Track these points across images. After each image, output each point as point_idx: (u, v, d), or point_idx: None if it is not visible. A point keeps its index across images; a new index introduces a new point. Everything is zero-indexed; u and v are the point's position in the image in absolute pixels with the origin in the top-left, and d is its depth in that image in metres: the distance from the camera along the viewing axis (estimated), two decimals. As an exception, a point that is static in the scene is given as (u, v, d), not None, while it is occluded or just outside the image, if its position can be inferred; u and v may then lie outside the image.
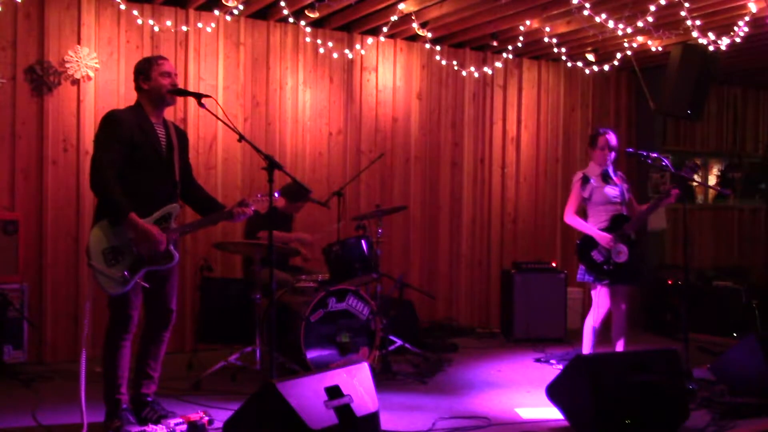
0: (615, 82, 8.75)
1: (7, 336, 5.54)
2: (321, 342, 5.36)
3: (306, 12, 6.50)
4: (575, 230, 5.74)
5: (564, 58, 7.85)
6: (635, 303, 8.65)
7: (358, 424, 3.72)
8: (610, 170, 5.55)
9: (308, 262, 6.38)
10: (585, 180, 5.55)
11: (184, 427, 4.10)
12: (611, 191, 5.49)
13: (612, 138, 5.52)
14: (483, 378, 5.79)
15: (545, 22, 6.87)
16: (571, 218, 5.58)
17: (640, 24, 6.25)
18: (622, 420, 4.12)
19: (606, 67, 7.86)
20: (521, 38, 7.21)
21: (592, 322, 5.52)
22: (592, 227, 5.48)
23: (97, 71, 6.20)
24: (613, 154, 5.51)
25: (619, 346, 5.54)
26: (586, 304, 5.70)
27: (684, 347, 5.09)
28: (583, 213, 5.64)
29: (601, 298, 5.47)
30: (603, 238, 5.38)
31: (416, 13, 6.68)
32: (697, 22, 6.40)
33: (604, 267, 5.39)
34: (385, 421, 4.22)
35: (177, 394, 4.99)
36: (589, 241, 5.45)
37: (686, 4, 5.97)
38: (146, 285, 4.08)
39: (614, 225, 5.43)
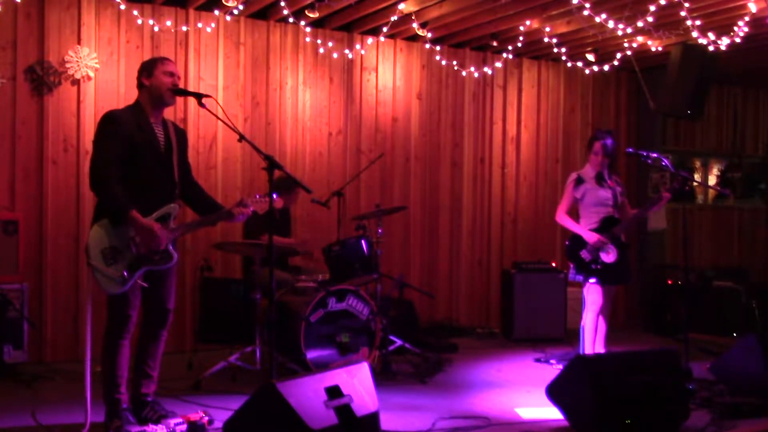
0: (615, 82, 8.75)
1: (7, 336, 5.54)
2: (321, 342, 5.36)
3: (306, 12, 6.50)
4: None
5: (564, 58, 7.85)
6: (635, 303, 8.68)
7: (358, 424, 3.72)
8: (605, 173, 5.64)
9: (310, 263, 6.35)
10: (579, 181, 5.65)
11: (184, 427, 4.10)
12: (604, 194, 5.59)
13: (608, 143, 5.57)
14: (483, 378, 5.79)
15: (545, 22, 6.87)
16: (561, 217, 5.70)
17: (640, 24, 6.25)
18: (622, 420, 4.12)
19: (606, 67, 7.86)
20: (521, 38, 7.21)
21: (588, 321, 5.55)
22: (582, 227, 5.59)
23: (97, 71, 6.20)
24: (606, 160, 5.58)
25: (601, 345, 5.61)
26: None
27: (684, 347, 5.09)
28: (576, 214, 5.73)
29: (593, 295, 5.54)
30: (591, 237, 5.49)
31: (416, 13, 6.68)
32: (697, 22, 6.39)
33: (592, 266, 5.52)
34: (385, 421, 4.22)
35: (177, 394, 4.99)
36: (578, 241, 5.58)
37: (686, 4, 5.97)
38: (145, 285, 4.08)
39: (604, 226, 5.54)
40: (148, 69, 4.18)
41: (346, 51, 7.24)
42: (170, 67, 4.18)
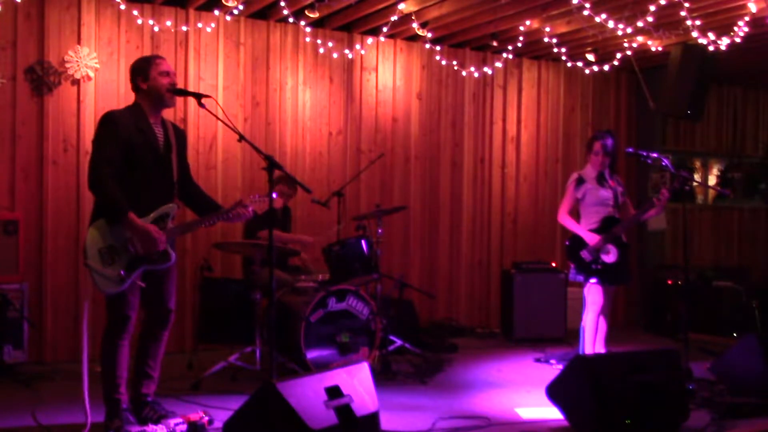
0: (615, 82, 8.75)
1: (7, 336, 5.54)
2: (321, 342, 5.36)
3: (306, 12, 6.50)
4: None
5: (564, 58, 7.85)
6: (635, 303, 8.68)
7: (358, 424, 3.72)
8: (606, 173, 5.64)
9: (306, 263, 6.32)
10: (580, 181, 5.66)
11: (184, 427, 4.10)
12: (605, 193, 5.60)
13: (608, 143, 5.57)
14: (483, 378, 5.79)
15: (545, 22, 6.87)
16: (563, 218, 5.72)
17: (640, 24, 6.25)
18: (622, 420, 4.12)
19: (606, 67, 7.86)
20: (521, 38, 7.21)
21: (589, 321, 5.55)
22: (582, 228, 5.59)
23: (97, 71, 6.20)
24: (607, 160, 5.57)
25: (601, 344, 5.60)
26: (586, 304, 5.74)
27: (684, 347, 5.09)
28: (577, 214, 5.73)
29: (594, 295, 5.54)
30: (592, 238, 5.49)
31: (416, 13, 6.68)
32: (697, 22, 6.40)
33: (593, 266, 5.52)
34: (385, 421, 4.22)
35: (177, 394, 4.99)
36: (578, 241, 5.59)
37: (686, 4, 5.97)
38: (142, 284, 4.07)
39: (604, 226, 5.54)
40: (143, 72, 4.16)
41: (346, 51, 7.24)
42: (164, 66, 4.16)
